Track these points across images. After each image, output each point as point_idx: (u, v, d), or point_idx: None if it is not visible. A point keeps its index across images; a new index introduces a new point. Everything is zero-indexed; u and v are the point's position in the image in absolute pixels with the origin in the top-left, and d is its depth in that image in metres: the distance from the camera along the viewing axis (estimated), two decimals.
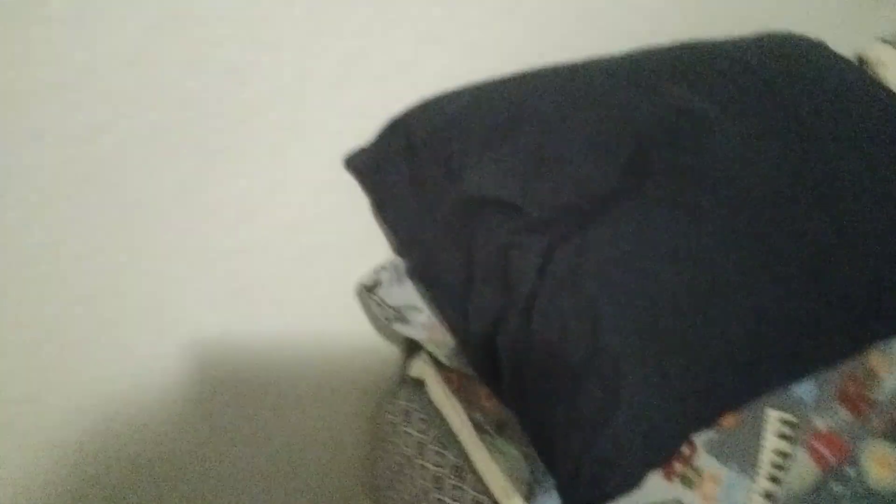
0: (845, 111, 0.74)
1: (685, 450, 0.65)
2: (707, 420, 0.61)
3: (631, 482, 0.58)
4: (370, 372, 1.04)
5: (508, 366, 0.65)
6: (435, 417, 0.92)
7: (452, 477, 0.87)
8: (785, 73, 0.76)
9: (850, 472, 0.74)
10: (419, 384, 0.96)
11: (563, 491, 0.59)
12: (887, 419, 0.73)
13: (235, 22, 0.65)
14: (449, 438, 0.89)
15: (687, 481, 0.65)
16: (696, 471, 0.65)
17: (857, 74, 0.82)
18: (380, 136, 0.79)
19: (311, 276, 0.86)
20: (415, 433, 0.94)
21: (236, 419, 0.93)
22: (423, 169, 0.77)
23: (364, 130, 0.79)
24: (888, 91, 0.81)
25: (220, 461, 0.95)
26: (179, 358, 0.81)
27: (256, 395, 0.93)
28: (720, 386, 0.60)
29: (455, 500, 0.84)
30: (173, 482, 0.92)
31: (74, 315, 0.71)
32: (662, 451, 0.59)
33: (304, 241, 0.83)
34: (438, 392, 0.91)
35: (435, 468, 0.89)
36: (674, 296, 0.60)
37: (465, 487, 0.85)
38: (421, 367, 0.96)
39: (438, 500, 0.86)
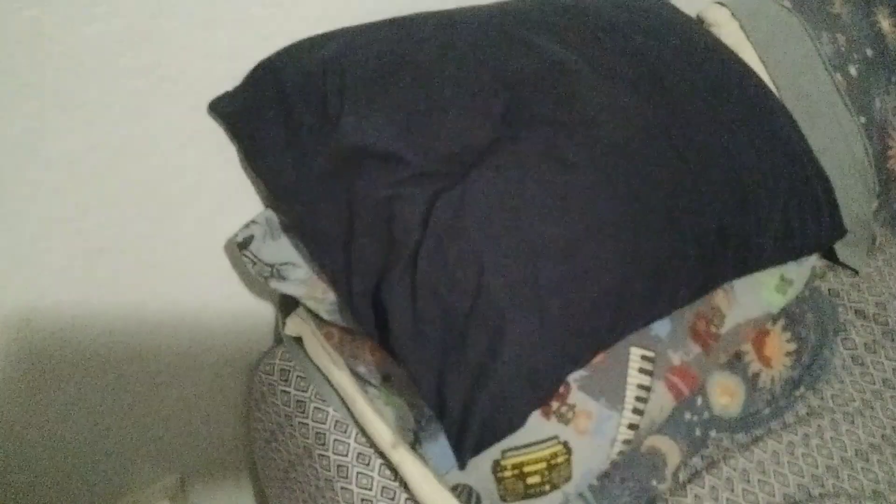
0: (693, 65, 0.79)
1: (561, 388, 0.69)
2: (582, 360, 0.65)
3: (517, 423, 0.60)
4: (243, 334, 1.00)
5: (394, 317, 0.65)
6: (315, 374, 0.91)
7: (335, 431, 0.86)
8: (641, 28, 0.81)
9: (699, 400, 0.82)
10: (297, 342, 0.94)
11: (453, 436, 0.61)
12: (729, 352, 0.82)
13: None
14: (330, 394, 0.88)
15: (563, 418, 0.69)
16: (571, 407, 0.69)
17: (701, 32, 0.88)
18: (248, 79, 0.75)
19: (175, 234, 0.80)
20: (293, 391, 0.92)
21: (93, 392, 0.86)
22: (296, 116, 0.74)
23: (231, 74, 0.74)
24: (726, 47, 0.88)
25: (66, 440, 0.87)
26: (14, 329, 0.73)
27: (114, 365, 0.86)
28: (594, 327, 0.64)
29: (339, 455, 0.84)
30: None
31: None
32: (544, 392, 0.62)
33: (166, 196, 0.77)
34: (318, 348, 0.89)
35: (316, 424, 0.88)
36: (550, 243, 0.62)
37: (348, 441, 0.85)
38: (298, 324, 0.93)
39: (321, 455, 0.86)
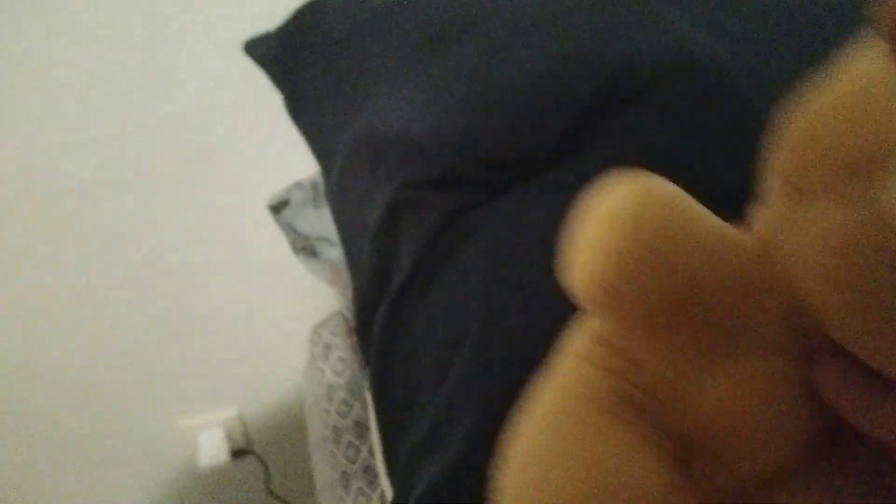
0: None
1: None
2: None
3: None
4: (310, 287, 0.92)
5: (372, 359, 0.52)
6: (353, 360, 0.81)
7: (351, 432, 0.76)
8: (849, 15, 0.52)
9: None
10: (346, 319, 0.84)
11: None
12: None
13: None
14: (360, 389, 0.78)
15: None
16: None
17: None
18: (291, 21, 0.62)
19: (215, 180, 0.72)
20: (328, 372, 0.83)
21: (142, 317, 0.85)
22: (340, 70, 0.60)
23: (269, 10, 0.61)
24: None
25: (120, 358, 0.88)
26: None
27: (164, 296, 0.83)
28: None
29: (347, 460, 0.74)
30: None
31: None
32: None
33: (195, 139, 0.68)
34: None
35: (337, 418, 0.78)
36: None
37: (361, 448, 0.75)
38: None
39: (332, 453, 0.77)
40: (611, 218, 0.18)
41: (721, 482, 0.19)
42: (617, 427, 0.18)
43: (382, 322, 0.51)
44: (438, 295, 0.47)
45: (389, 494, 0.66)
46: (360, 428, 0.75)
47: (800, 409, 0.19)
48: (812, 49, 0.50)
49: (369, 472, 0.72)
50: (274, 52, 0.62)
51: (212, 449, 1.04)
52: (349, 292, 0.68)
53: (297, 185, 0.72)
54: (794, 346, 0.18)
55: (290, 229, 0.71)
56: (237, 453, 1.08)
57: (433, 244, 0.49)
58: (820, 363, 0.18)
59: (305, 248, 0.71)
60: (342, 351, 0.83)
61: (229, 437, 1.06)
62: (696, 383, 0.18)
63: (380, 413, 0.51)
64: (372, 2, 0.59)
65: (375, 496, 0.71)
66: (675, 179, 0.31)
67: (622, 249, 0.18)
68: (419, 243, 0.50)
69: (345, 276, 0.69)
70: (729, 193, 0.38)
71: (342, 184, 0.61)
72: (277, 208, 0.71)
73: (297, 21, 0.61)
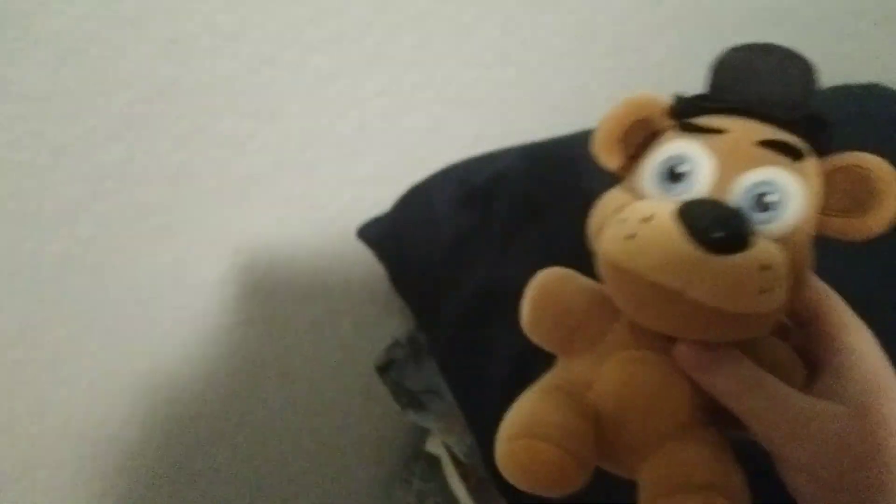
0: None
1: None
2: None
3: None
4: (385, 439, 0.96)
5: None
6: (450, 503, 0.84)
7: None
8: None
9: None
10: (436, 461, 0.88)
11: None
12: None
13: (232, 91, 0.58)
14: None
15: None
16: None
17: None
18: (398, 204, 0.71)
19: (322, 346, 0.79)
20: None
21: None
22: (444, 244, 0.68)
23: (380, 200, 0.71)
24: None
25: None
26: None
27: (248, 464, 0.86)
28: None
29: None
30: None
31: None
32: None
33: (313, 311, 0.75)
34: (455, 480, 0.82)
35: None
36: None
37: None
38: (438, 446, 0.87)
39: None
40: (528, 290, 0.34)
41: (625, 439, 0.30)
42: (550, 398, 0.31)
43: None
44: None
45: None
46: None
47: (673, 383, 0.30)
48: None
49: None
50: (383, 234, 0.71)
51: None
52: (467, 438, 0.72)
53: (395, 343, 0.79)
54: (646, 341, 0.30)
55: (397, 387, 0.77)
56: None
57: None
58: (677, 345, 0.29)
59: (411, 403, 0.77)
60: (437, 496, 0.86)
61: None
62: (598, 372, 0.31)
63: None
64: (469, 181, 0.68)
65: None
66: None
67: (528, 303, 0.34)
68: None
69: (458, 425, 0.74)
70: None
71: (456, 339, 0.67)
72: (384, 368, 0.77)
73: (405, 202, 0.71)
